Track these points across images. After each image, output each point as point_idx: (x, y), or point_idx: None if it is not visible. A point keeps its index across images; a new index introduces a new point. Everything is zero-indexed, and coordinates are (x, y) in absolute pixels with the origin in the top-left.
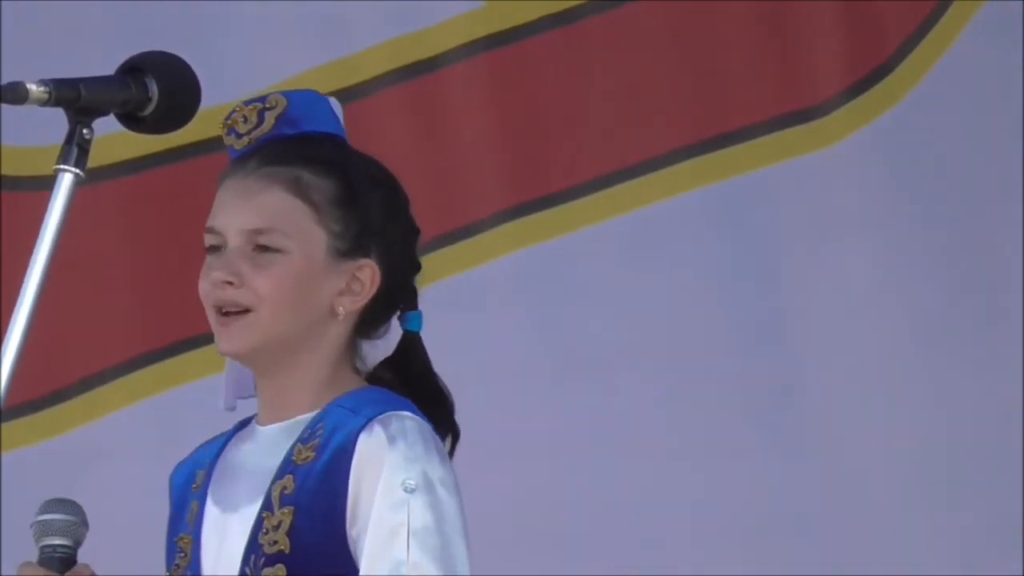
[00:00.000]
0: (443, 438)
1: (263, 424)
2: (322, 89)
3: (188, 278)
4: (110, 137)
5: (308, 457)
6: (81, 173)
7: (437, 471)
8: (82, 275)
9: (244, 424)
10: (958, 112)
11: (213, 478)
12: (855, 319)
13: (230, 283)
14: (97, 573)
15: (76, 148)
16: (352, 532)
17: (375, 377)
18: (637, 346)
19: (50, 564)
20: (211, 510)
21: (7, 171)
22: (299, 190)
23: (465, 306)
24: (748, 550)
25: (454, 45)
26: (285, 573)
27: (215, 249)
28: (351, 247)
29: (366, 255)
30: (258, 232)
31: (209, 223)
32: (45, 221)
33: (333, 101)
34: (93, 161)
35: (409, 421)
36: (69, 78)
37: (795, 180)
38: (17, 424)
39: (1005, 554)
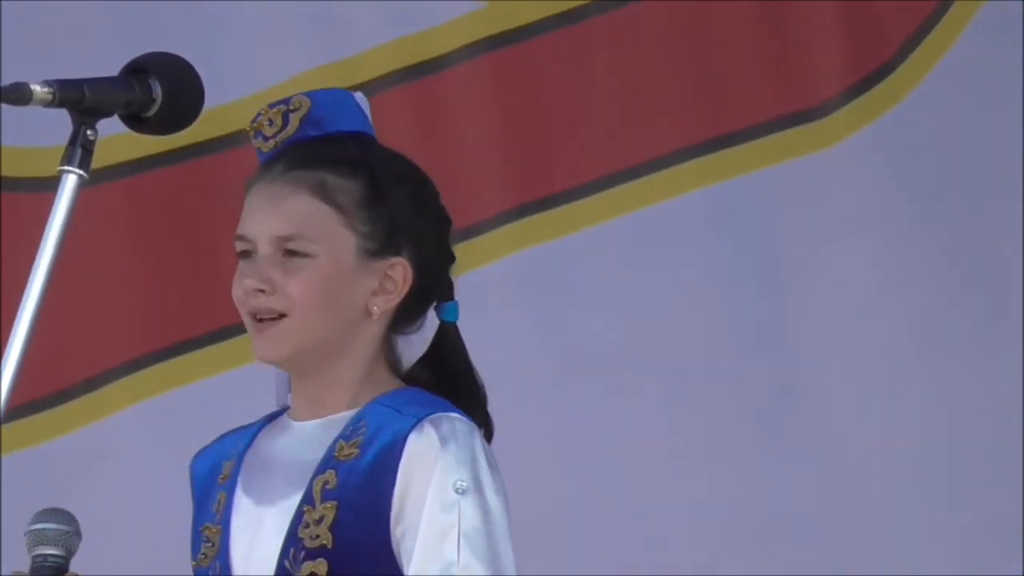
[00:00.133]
0: (486, 433)
1: (299, 419)
2: None
3: (190, 278)
4: (112, 138)
5: (351, 454)
6: (85, 174)
7: (486, 474)
8: (84, 276)
9: (273, 417)
10: (959, 112)
11: (243, 469)
12: (856, 319)
13: (262, 291)
14: (100, 574)
15: (80, 149)
16: (396, 530)
17: (410, 376)
18: (639, 346)
19: (41, 572)
20: (242, 501)
21: (7, 172)
22: (325, 194)
23: (467, 307)
24: (749, 550)
25: (456, 46)
26: (327, 567)
27: (246, 255)
28: (381, 247)
29: (397, 253)
30: (286, 239)
31: (239, 230)
32: (49, 222)
33: (359, 96)
34: (95, 162)
35: (460, 423)
36: (73, 79)
37: (796, 180)
38: (20, 424)
39: (1005, 554)
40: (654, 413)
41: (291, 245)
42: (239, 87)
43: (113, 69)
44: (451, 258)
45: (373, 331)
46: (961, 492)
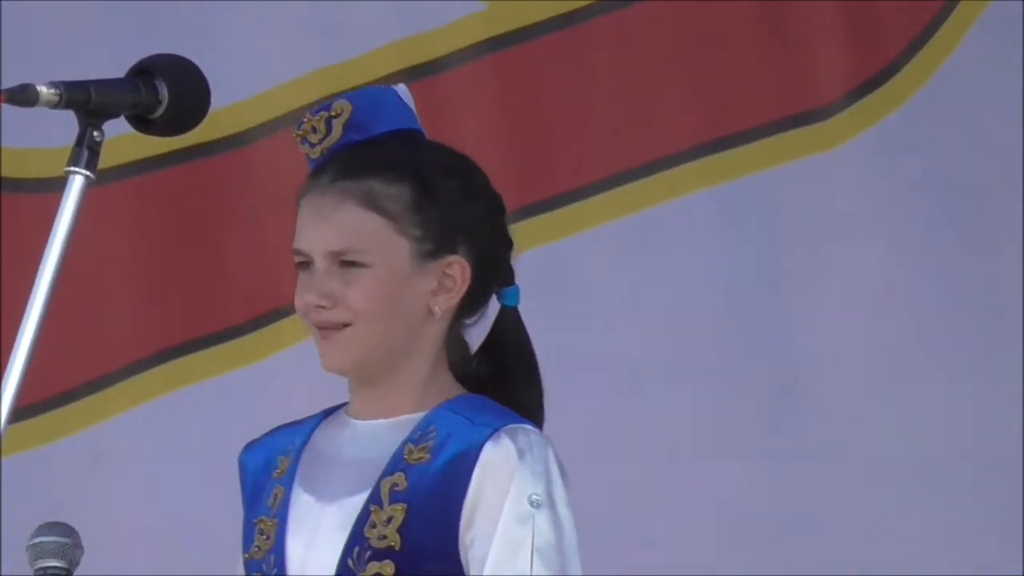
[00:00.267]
0: (537, 420)
1: (360, 418)
2: (325, 92)
3: (194, 279)
4: (115, 139)
5: (422, 458)
6: (91, 175)
7: (559, 488)
8: (87, 277)
9: (330, 413)
10: (962, 115)
11: (301, 465)
12: (858, 320)
13: (323, 307)
14: (103, 575)
15: (86, 150)
16: (466, 537)
17: (469, 367)
18: (641, 347)
19: None
20: (301, 496)
21: (8, 173)
22: (373, 203)
23: None
24: (750, 550)
25: (458, 47)
26: (394, 569)
27: (305, 265)
28: (436, 247)
29: (453, 251)
30: (339, 253)
31: (295, 244)
32: (55, 224)
33: (401, 88)
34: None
35: (535, 436)
36: (79, 80)
37: (800, 182)
38: (23, 426)
39: (1005, 554)
40: (655, 414)
41: (346, 257)
42: (242, 88)
43: (114, 70)
44: (508, 243)
45: (435, 330)
46: (961, 492)
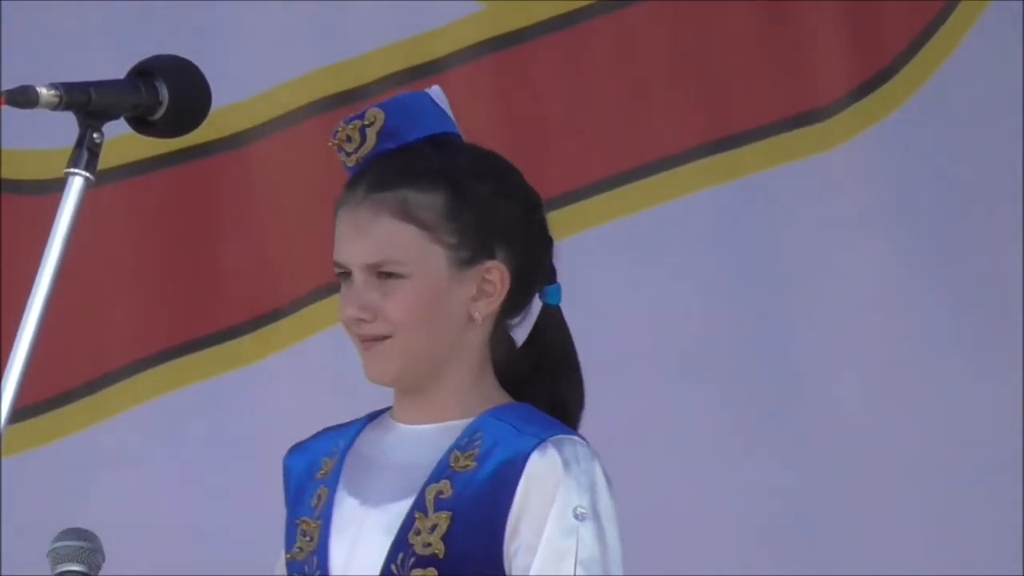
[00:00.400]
0: (577, 420)
1: (405, 422)
2: (324, 92)
3: (191, 281)
4: (112, 141)
5: (468, 466)
6: (91, 177)
7: (604, 502)
8: (85, 278)
9: (375, 416)
10: (963, 115)
11: (345, 467)
12: (859, 320)
13: (363, 319)
14: (102, 574)
15: (86, 152)
16: (510, 546)
17: (510, 367)
18: (640, 348)
19: None
20: (345, 500)
21: (7, 174)
22: (407, 214)
23: None
24: (749, 550)
25: (457, 48)
26: None
27: (345, 276)
28: (473, 254)
29: (491, 255)
30: (376, 265)
31: (334, 256)
32: (55, 225)
33: (435, 91)
34: None
35: (581, 447)
36: (79, 82)
37: (800, 182)
38: (22, 427)
39: (1005, 554)
40: (654, 414)
41: (383, 268)
42: (240, 89)
43: (114, 70)
44: (548, 242)
45: (477, 335)
46: (961, 492)
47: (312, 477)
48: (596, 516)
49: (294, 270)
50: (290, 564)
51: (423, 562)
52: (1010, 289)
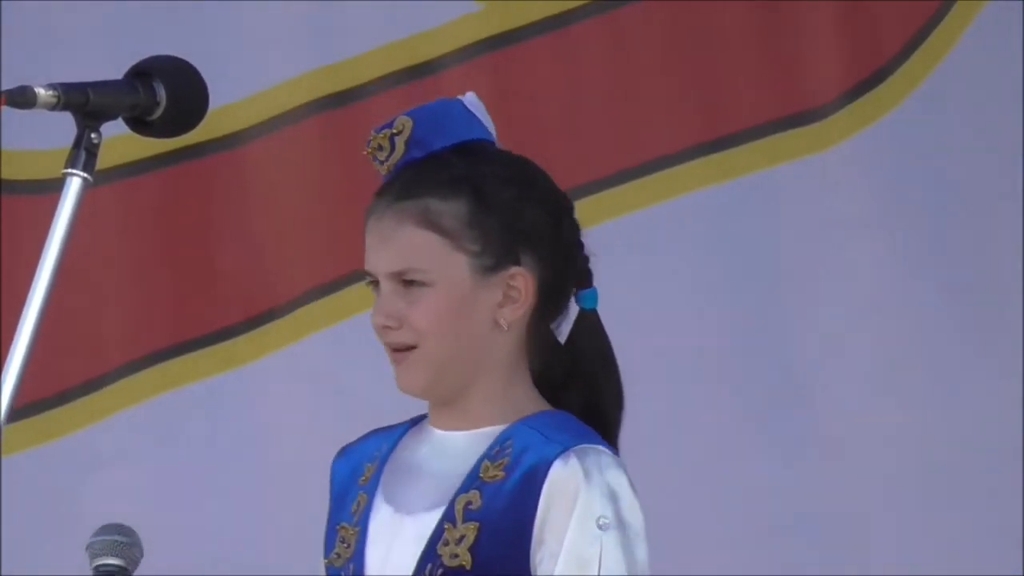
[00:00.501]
0: (615, 429)
1: (441, 428)
2: (320, 92)
3: (187, 280)
4: (108, 140)
5: (496, 476)
6: (89, 177)
7: (629, 512)
8: (82, 278)
9: (417, 421)
10: (958, 115)
11: (384, 474)
12: (855, 320)
13: (390, 327)
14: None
15: (84, 152)
16: (536, 555)
17: (544, 373)
18: (637, 348)
19: None
20: (382, 507)
21: (6, 175)
22: (429, 222)
23: None
24: (749, 550)
25: (453, 48)
26: None
27: (375, 285)
28: (496, 260)
29: (515, 261)
30: (399, 274)
31: (365, 265)
32: (53, 225)
33: (468, 98)
34: None
35: (606, 457)
36: (77, 82)
37: (795, 182)
38: (19, 426)
39: (1005, 554)
40: (652, 414)
41: (407, 277)
42: (236, 89)
43: (112, 70)
44: (579, 246)
45: (508, 341)
46: (961, 492)
47: (355, 482)
48: (621, 526)
49: (289, 271)
50: (328, 568)
51: (451, 573)
52: (1008, 288)
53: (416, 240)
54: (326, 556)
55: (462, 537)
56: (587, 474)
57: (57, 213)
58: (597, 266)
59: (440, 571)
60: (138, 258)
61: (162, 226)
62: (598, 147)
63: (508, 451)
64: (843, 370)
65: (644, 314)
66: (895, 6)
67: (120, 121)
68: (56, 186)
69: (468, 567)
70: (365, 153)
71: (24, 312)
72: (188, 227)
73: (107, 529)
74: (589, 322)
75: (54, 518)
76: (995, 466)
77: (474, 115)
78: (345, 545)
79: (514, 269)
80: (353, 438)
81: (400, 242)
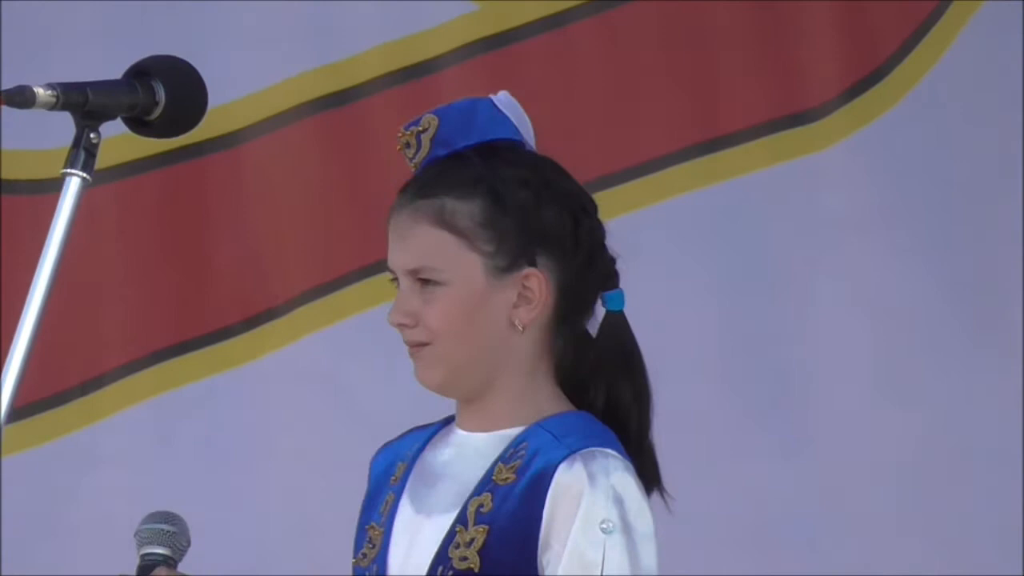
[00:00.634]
0: (644, 435)
1: (464, 429)
2: (317, 92)
3: (185, 281)
4: (105, 140)
5: (508, 479)
6: (88, 177)
7: (636, 516)
8: (81, 278)
9: (449, 420)
10: (956, 114)
11: (412, 475)
12: (852, 320)
13: (406, 324)
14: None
15: (83, 152)
16: (543, 558)
17: (573, 379)
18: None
19: (142, 572)
20: (406, 508)
21: (5, 175)
22: (444, 221)
23: None
24: (748, 550)
25: (449, 48)
26: None
27: (396, 281)
28: (511, 261)
29: (531, 262)
30: (414, 272)
31: (388, 261)
32: (52, 225)
33: (500, 97)
34: None
35: (613, 460)
36: (76, 82)
37: (793, 182)
38: (18, 427)
39: (1005, 554)
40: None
41: (421, 275)
42: (234, 89)
43: (112, 70)
44: (601, 247)
45: (526, 342)
46: (961, 492)
47: (387, 481)
48: (626, 530)
49: (287, 271)
50: (355, 569)
51: (460, 575)
52: (1008, 288)
53: (431, 239)
54: (354, 556)
55: (472, 540)
56: (592, 477)
57: (56, 213)
58: None
59: (450, 573)
60: (135, 258)
61: (159, 226)
62: (596, 147)
63: (522, 454)
64: (843, 370)
65: (643, 314)
66: (892, 5)
67: (119, 121)
68: (55, 186)
69: (476, 569)
70: (397, 149)
71: (24, 312)
72: (186, 227)
73: (155, 517)
74: (614, 323)
75: (53, 518)
76: (995, 466)
77: (503, 114)
78: (371, 545)
79: (528, 270)
80: (351, 438)
81: (415, 240)
